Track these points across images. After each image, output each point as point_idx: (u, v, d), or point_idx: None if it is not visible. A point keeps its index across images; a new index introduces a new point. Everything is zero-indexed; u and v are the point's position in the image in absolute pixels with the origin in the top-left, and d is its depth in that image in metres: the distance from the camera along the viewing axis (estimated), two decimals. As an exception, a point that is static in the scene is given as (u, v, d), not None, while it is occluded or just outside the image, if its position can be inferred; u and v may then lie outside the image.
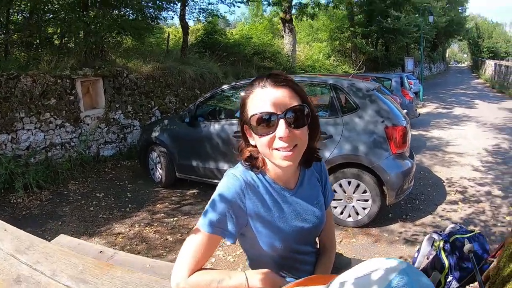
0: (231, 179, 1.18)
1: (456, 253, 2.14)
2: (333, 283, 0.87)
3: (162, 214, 4.83)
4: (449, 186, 5.90)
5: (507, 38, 73.47)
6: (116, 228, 4.49)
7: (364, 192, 4.21)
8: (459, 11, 43.19)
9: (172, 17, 13.56)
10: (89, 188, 5.92)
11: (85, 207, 5.14)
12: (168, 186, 5.83)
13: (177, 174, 5.65)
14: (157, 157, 5.77)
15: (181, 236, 4.24)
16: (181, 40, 12.17)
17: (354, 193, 4.26)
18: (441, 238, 2.52)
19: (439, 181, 6.14)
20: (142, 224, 4.56)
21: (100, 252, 1.79)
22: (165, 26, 15.22)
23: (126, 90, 7.92)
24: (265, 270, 1.17)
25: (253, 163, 1.22)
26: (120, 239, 4.22)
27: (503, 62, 30.30)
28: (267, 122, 1.08)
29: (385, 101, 4.52)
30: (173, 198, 5.45)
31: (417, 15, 25.01)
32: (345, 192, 4.29)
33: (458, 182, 6.15)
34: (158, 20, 11.40)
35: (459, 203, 5.19)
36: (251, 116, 1.10)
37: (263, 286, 1.11)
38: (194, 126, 5.32)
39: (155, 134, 5.79)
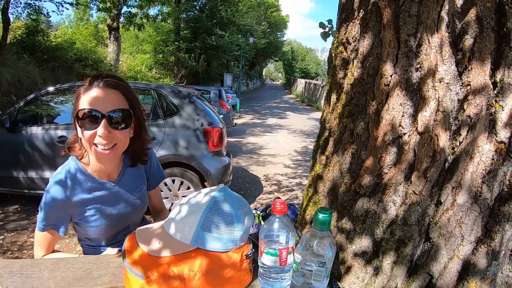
0: (55, 181, 1.30)
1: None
2: (176, 206, 1.16)
3: (-14, 235, 4.23)
4: (266, 181, 6.79)
5: (318, 61, 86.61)
6: None
7: (188, 188, 4.55)
8: (278, 35, 48.95)
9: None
10: None
11: None
12: (-16, 204, 5.04)
13: None
14: None
15: (11, 254, 3.80)
16: (-1, 36, 10.60)
17: (179, 190, 4.56)
18: (259, 212, 3.29)
19: (256, 178, 6.99)
20: (-35, 247, 3.92)
21: None
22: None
23: None
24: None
25: (77, 153, 1.36)
26: None
27: (312, 81, 35.47)
28: (91, 118, 1.19)
29: (203, 105, 5.01)
30: (-6, 216, 4.80)
31: (240, 35, 27.35)
32: (170, 190, 4.56)
33: (273, 177, 7.14)
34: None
35: (275, 193, 6.08)
36: (79, 110, 1.20)
37: None
38: (15, 132, 4.78)
39: None
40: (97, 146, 1.23)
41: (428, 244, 1.27)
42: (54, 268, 1.14)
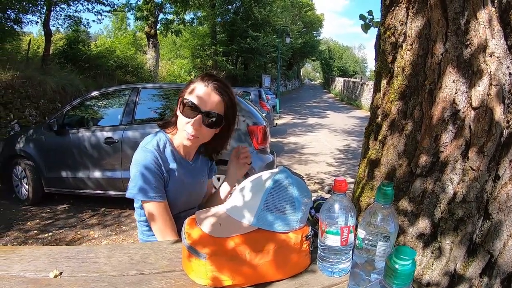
0: (146, 151, 1.42)
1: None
2: (236, 188, 1.21)
3: (36, 231, 4.52)
4: (308, 180, 6.78)
5: (355, 59, 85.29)
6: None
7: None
8: (314, 34, 48.72)
9: (37, 22, 12.22)
10: None
11: None
12: (36, 203, 5.41)
13: (45, 188, 5.30)
14: (22, 171, 5.34)
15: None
16: (40, 49, 11.29)
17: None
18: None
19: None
20: (15, 243, 4.22)
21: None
22: (22, 33, 13.72)
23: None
24: None
25: (169, 125, 1.55)
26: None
27: (351, 79, 34.87)
28: (191, 109, 1.39)
29: (246, 104, 5.13)
30: (43, 214, 5.09)
31: (275, 36, 27.43)
32: (215, 188, 4.68)
33: (316, 175, 7.14)
34: (21, 24, 10.52)
35: (318, 191, 6.07)
36: (185, 98, 1.41)
37: None
38: (63, 134, 5.08)
39: (19, 145, 5.36)
40: (185, 131, 1.42)
41: (487, 221, 1.27)
42: (111, 254, 1.19)
